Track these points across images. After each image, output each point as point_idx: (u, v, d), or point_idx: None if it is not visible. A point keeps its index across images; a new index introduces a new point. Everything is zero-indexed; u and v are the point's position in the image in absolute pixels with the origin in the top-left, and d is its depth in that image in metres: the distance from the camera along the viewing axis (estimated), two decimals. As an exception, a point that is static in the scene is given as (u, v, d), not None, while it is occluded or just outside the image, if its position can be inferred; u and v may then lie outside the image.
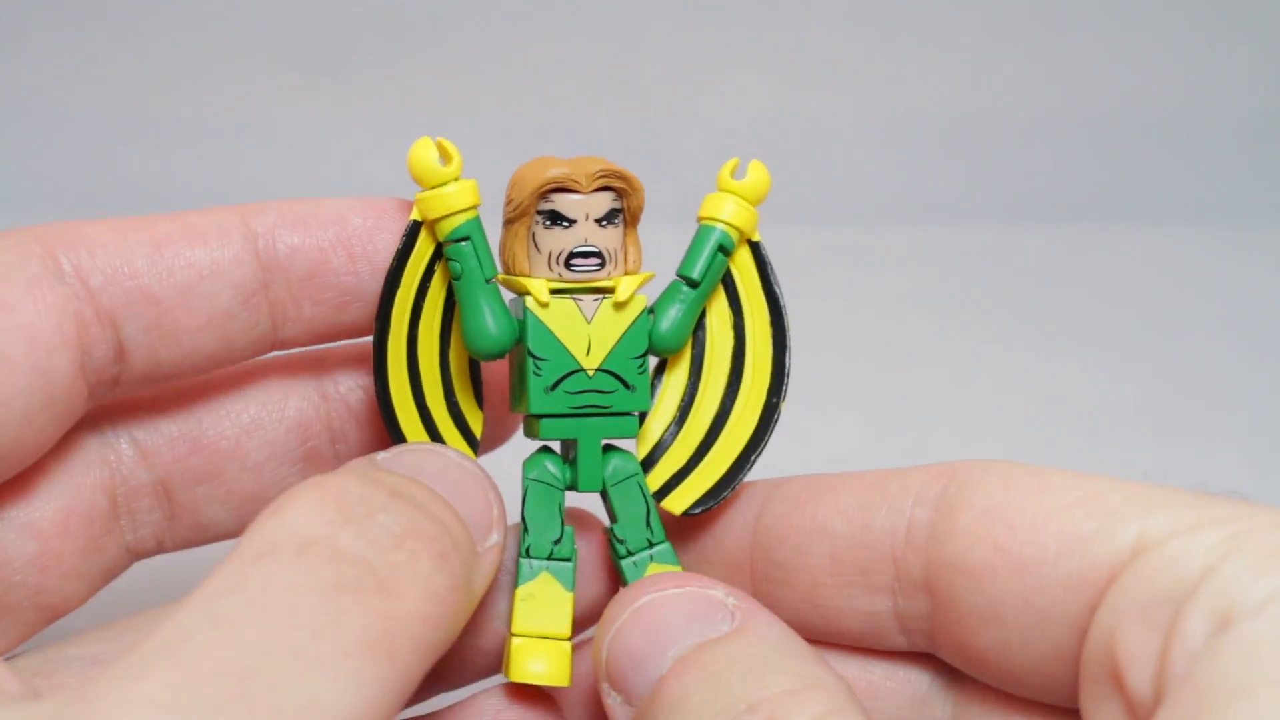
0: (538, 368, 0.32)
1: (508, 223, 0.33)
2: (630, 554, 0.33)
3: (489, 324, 0.32)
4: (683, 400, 0.35)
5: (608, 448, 0.33)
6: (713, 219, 0.33)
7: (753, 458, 0.34)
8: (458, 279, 0.32)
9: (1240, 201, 0.77)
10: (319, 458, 0.35)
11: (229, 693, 0.23)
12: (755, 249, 0.34)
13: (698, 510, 0.33)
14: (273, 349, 0.34)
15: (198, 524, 0.35)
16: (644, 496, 0.33)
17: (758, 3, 0.77)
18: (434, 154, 0.32)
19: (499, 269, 0.33)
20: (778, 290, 0.34)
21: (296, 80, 0.75)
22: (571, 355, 0.33)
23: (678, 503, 0.34)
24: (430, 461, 0.30)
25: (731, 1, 0.77)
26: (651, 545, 0.33)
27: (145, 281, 0.31)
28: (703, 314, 0.34)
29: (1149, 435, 0.63)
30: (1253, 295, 0.72)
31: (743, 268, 0.34)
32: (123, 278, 0.31)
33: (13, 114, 0.75)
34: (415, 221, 0.32)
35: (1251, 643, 0.23)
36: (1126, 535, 0.27)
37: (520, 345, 0.33)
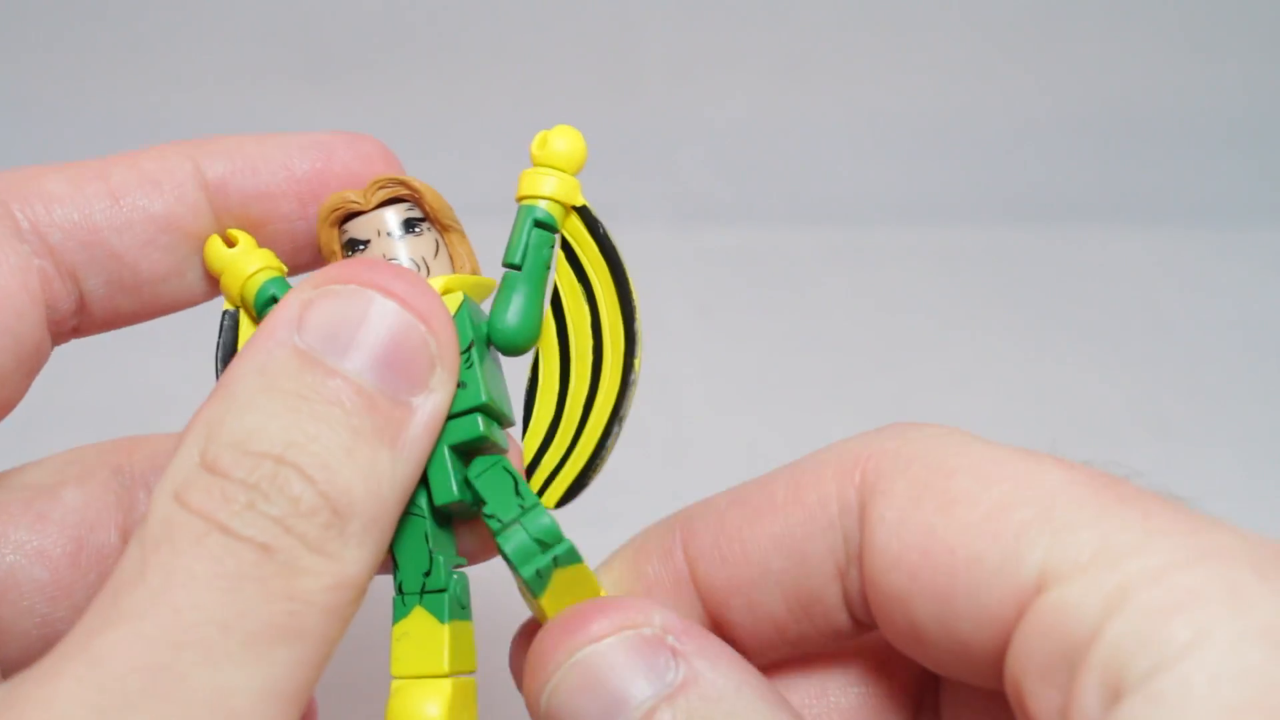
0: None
1: (327, 255, 0.33)
2: (504, 525, 0.31)
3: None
4: (559, 391, 0.33)
5: (470, 454, 0.32)
6: (527, 199, 0.32)
7: (614, 429, 0.32)
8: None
9: (1240, 201, 0.77)
10: None
11: (140, 689, 0.24)
12: (583, 213, 0.33)
13: (569, 499, 0.32)
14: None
15: None
16: (509, 473, 0.31)
17: (756, 3, 0.77)
18: (221, 245, 0.32)
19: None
20: (614, 246, 0.33)
21: (295, 82, 0.76)
22: None
23: (551, 495, 0.33)
24: (351, 311, 0.29)
25: (730, 2, 0.77)
26: (524, 510, 0.31)
27: (104, 236, 0.32)
28: (558, 296, 0.33)
29: (1146, 436, 0.63)
30: (1253, 296, 0.72)
31: (578, 236, 0.33)
32: (82, 233, 0.31)
33: (13, 114, 0.75)
34: (227, 311, 0.32)
35: None
36: (1030, 567, 0.25)
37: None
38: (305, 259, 0.33)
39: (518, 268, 0.32)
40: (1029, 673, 0.25)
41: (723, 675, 0.28)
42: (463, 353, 0.31)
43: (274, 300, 0.31)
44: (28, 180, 0.32)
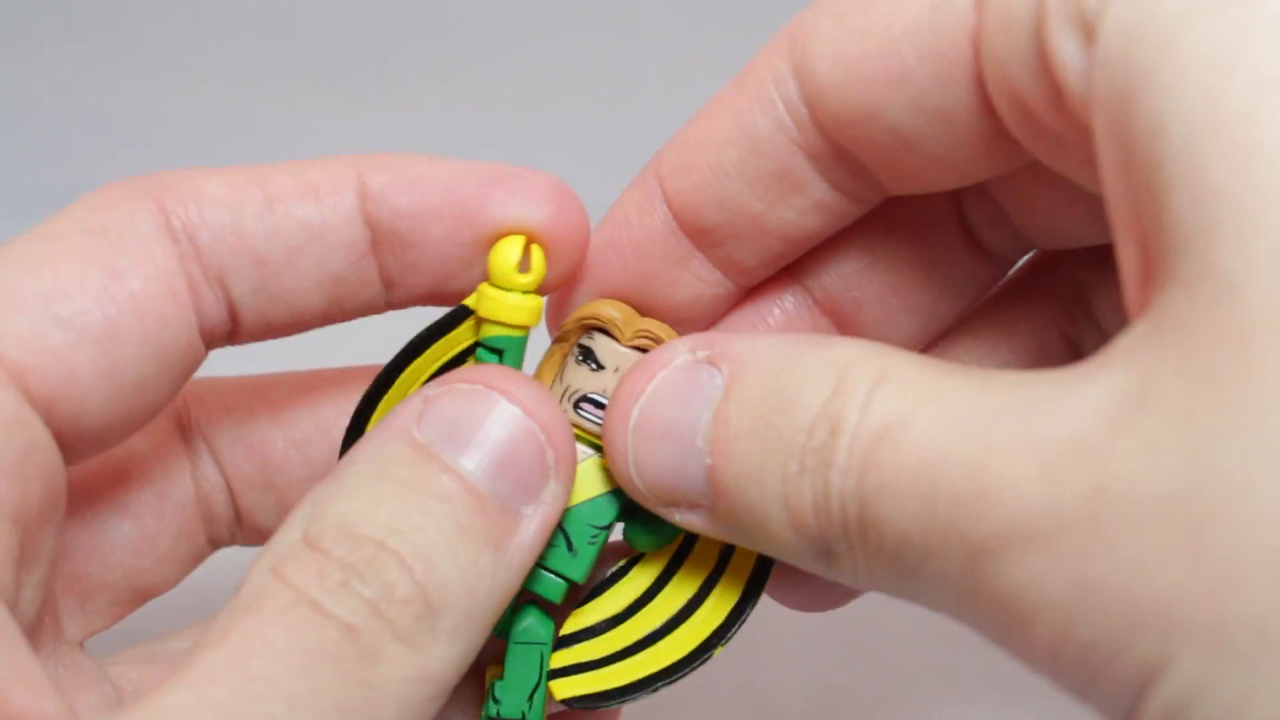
0: None
1: (555, 340, 0.32)
2: (497, 713, 0.32)
3: None
4: (636, 601, 0.33)
5: (529, 601, 0.32)
6: None
7: (657, 686, 0.32)
8: None
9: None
10: None
11: None
12: None
13: (575, 705, 0.32)
14: (387, 309, 0.33)
15: (257, 528, 0.35)
16: (540, 670, 0.32)
17: (756, 3, 0.77)
18: (515, 256, 0.30)
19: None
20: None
21: (296, 83, 0.75)
22: None
23: (564, 688, 0.32)
24: (473, 411, 0.28)
25: (730, 2, 0.77)
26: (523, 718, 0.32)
27: (253, 242, 0.31)
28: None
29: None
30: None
31: None
32: (231, 237, 0.31)
33: (13, 114, 0.75)
34: (465, 307, 0.31)
35: (1122, 46, 0.23)
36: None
37: None
38: (455, 286, 0.32)
39: None
40: (1002, 73, 0.26)
41: (762, 351, 0.28)
42: (602, 528, 0.31)
43: (491, 352, 0.31)
44: (184, 180, 0.31)
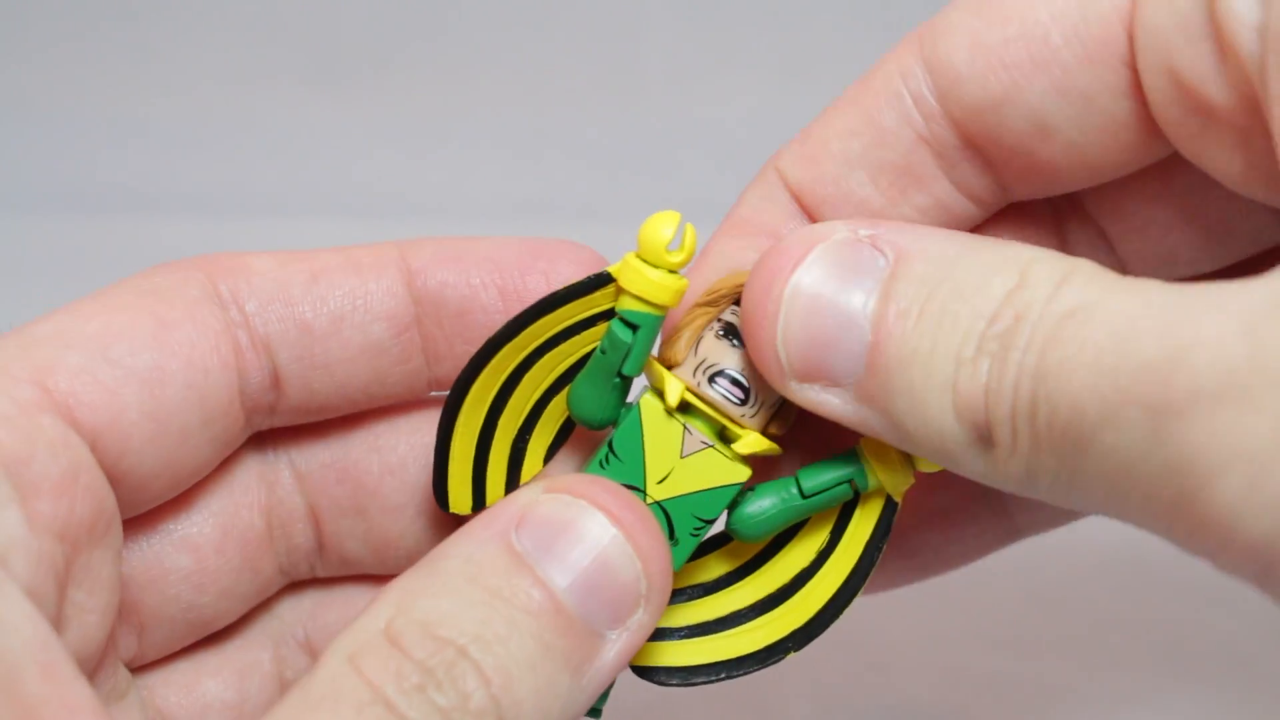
0: (606, 460, 0.31)
1: (699, 304, 0.31)
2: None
3: (593, 404, 0.31)
4: (716, 580, 0.33)
5: None
6: (864, 454, 0.31)
7: (724, 675, 0.31)
8: (601, 352, 0.31)
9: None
10: (456, 519, 0.34)
11: None
12: (888, 508, 0.31)
13: (645, 676, 0.32)
14: (430, 389, 0.33)
15: (342, 558, 0.35)
16: None
17: (757, 4, 0.77)
18: (668, 232, 0.30)
19: (660, 339, 0.31)
20: (876, 560, 0.31)
21: (296, 84, 0.75)
22: (644, 473, 0.31)
23: (639, 655, 0.31)
24: (574, 526, 0.28)
25: (730, 3, 0.77)
26: None
27: (299, 309, 0.31)
28: (799, 526, 0.32)
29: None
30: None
31: (866, 514, 0.32)
32: (277, 305, 0.31)
33: (13, 114, 0.75)
34: (608, 274, 0.31)
35: None
36: None
37: (610, 427, 0.31)
38: None
39: (803, 496, 0.31)
40: (1170, 52, 0.26)
41: (928, 238, 0.28)
42: (706, 521, 0.31)
43: (627, 327, 0.30)
44: (234, 257, 0.32)
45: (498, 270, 0.32)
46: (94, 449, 0.28)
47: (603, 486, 0.29)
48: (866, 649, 0.50)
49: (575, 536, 0.28)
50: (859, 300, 0.27)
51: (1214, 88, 0.26)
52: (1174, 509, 0.23)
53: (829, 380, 0.28)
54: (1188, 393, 0.22)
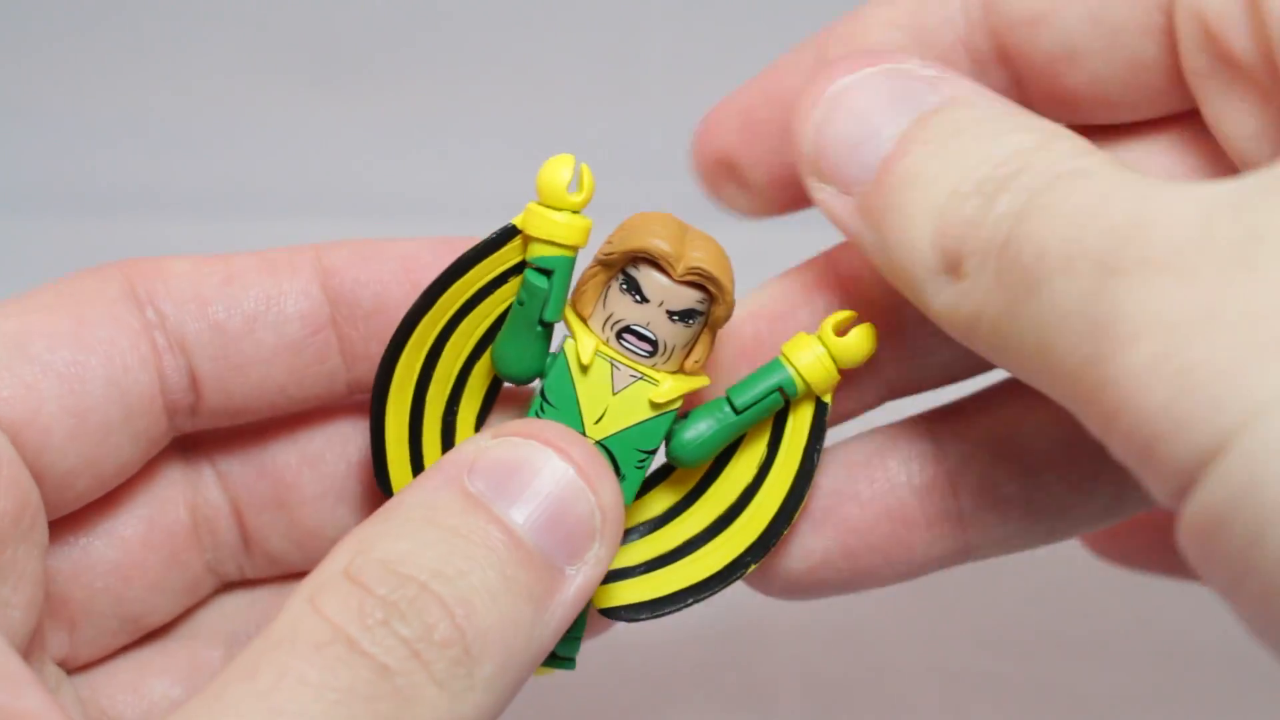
0: (541, 409, 0.31)
1: (598, 262, 0.31)
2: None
3: (518, 358, 0.31)
4: (665, 513, 0.33)
5: None
6: (787, 360, 0.31)
7: (690, 600, 0.32)
8: (519, 304, 0.31)
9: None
10: (379, 500, 0.34)
11: None
12: (820, 410, 0.32)
13: (613, 615, 0.32)
14: (349, 390, 0.34)
15: (268, 554, 0.35)
16: None
17: (757, 4, 0.77)
18: (566, 174, 0.31)
19: (568, 296, 0.32)
20: (816, 461, 0.32)
21: (296, 84, 0.75)
22: (580, 415, 0.31)
23: (602, 598, 0.32)
24: (526, 465, 0.29)
25: (730, 2, 0.77)
26: None
27: (213, 309, 0.32)
28: (736, 445, 0.33)
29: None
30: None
31: (799, 420, 0.32)
32: (191, 305, 0.32)
33: (13, 114, 0.75)
34: (512, 226, 0.31)
35: None
36: None
37: (541, 379, 0.32)
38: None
39: (737, 411, 0.32)
40: None
41: (985, 95, 0.29)
42: (649, 452, 0.31)
43: (540, 274, 0.31)
44: (152, 260, 0.32)
45: (410, 267, 0.32)
46: (14, 445, 0.29)
47: (549, 426, 0.30)
48: (865, 649, 0.50)
49: (528, 475, 0.28)
50: (894, 120, 0.29)
51: (1240, 41, 0.27)
52: (1084, 367, 0.24)
53: (841, 184, 0.29)
54: (1136, 259, 0.23)
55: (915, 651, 0.50)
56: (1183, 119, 0.32)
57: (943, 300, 0.27)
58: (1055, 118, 0.31)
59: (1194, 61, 0.28)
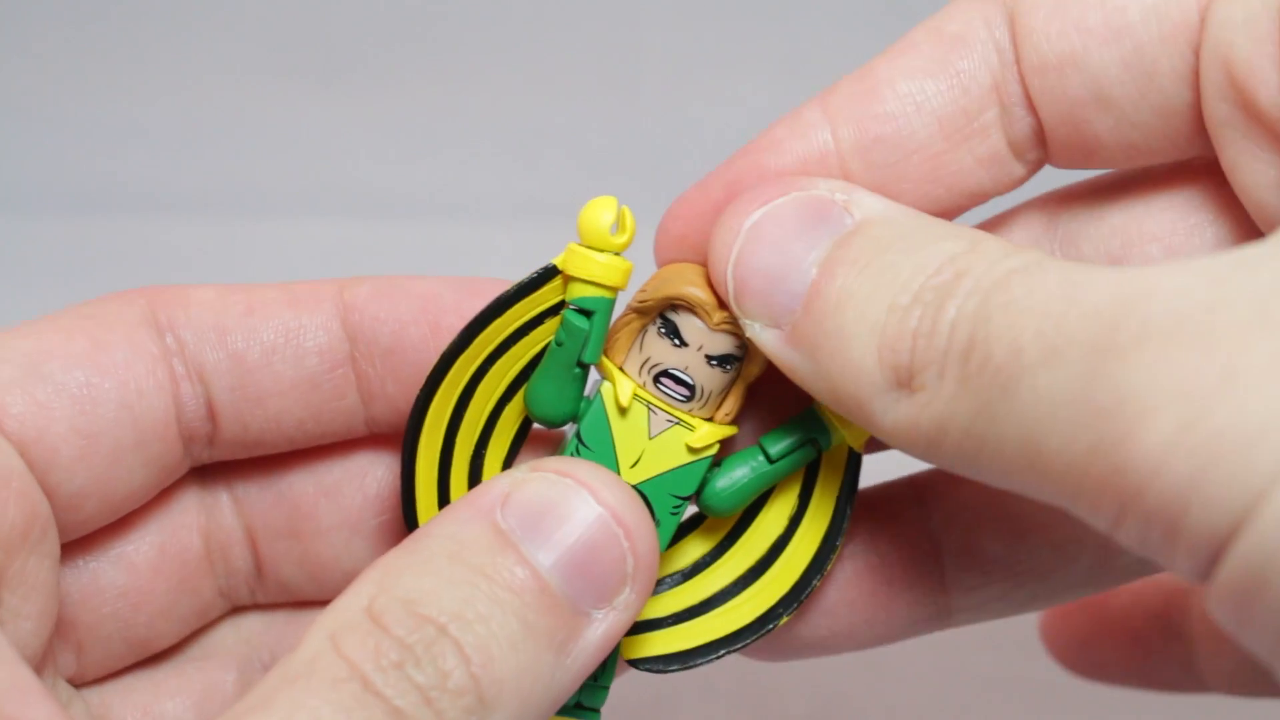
0: (577, 451, 0.31)
1: (633, 309, 0.31)
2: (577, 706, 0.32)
3: (553, 399, 0.31)
4: (697, 562, 0.33)
5: None
6: (820, 409, 0.31)
7: (723, 652, 0.32)
8: (558, 345, 0.31)
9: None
10: (395, 533, 0.34)
11: None
12: (853, 461, 0.32)
13: (643, 666, 0.32)
14: (366, 428, 0.33)
15: (280, 583, 0.35)
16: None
17: (757, 3, 0.77)
18: (608, 216, 0.30)
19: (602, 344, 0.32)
20: (848, 514, 0.32)
21: (296, 84, 0.75)
22: (616, 458, 0.31)
23: (632, 649, 0.32)
24: (559, 505, 0.28)
25: (730, 2, 0.77)
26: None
27: (232, 340, 0.32)
28: (768, 495, 0.33)
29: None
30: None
31: (831, 470, 0.32)
32: (211, 335, 0.32)
33: (13, 114, 0.75)
34: (553, 267, 0.31)
35: None
36: None
37: (575, 421, 0.31)
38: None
39: (771, 460, 0.32)
40: (1234, 44, 0.27)
41: (901, 210, 0.29)
42: (684, 498, 0.31)
43: (581, 314, 0.31)
44: (177, 289, 0.32)
45: (429, 307, 0.32)
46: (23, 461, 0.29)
47: (588, 466, 0.29)
48: (866, 650, 0.50)
49: (561, 515, 0.28)
50: (813, 248, 0.28)
51: (1265, 91, 0.27)
52: (1089, 457, 0.23)
53: (768, 317, 0.29)
54: (1136, 335, 0.22)
55: (915, 651, 0.50)
56: (1191, 170, 0.31)
57: (896, 416, 0.27)
58: (1071, 167, 0.31)
59: (1216, 108, 0.28)
